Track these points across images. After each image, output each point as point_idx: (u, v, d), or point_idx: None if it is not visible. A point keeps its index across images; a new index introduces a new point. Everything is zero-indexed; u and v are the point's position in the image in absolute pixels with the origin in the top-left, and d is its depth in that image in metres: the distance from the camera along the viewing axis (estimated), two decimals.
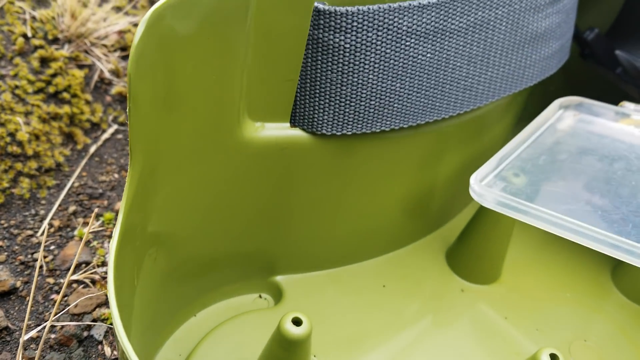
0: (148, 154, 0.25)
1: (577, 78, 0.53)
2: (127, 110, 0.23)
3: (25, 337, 0.34)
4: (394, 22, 0.29)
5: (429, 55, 0.31)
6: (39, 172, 0.45)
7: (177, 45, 0.23)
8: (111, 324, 0.37)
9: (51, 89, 0.49)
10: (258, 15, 0.27)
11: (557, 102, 0.41)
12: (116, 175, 0.48)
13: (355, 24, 0.28)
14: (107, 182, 0.47)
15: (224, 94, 0.27)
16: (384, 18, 0.29)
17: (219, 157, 0.29)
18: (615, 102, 0.45)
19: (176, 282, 0.32)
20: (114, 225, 0.43)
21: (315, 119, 0.31)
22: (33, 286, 0.31)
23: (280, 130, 0.31)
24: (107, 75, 0.53)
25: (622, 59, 0.45)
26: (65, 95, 0.50)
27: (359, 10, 0.28)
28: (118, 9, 0.58)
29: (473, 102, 0.35)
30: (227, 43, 0.26)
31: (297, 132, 0.31)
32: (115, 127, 0.52)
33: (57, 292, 0.38)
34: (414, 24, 0.30)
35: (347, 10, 0.28)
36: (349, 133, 0.32)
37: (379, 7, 0.28)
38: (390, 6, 0.29)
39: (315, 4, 0.28)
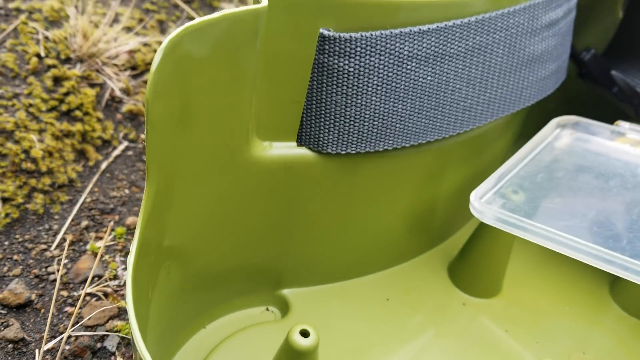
0: (163, 172, 0.26)
1: (575, 96, 0.55)
2: (145, 132, 0.25)
3: (45, 347, 0.35)
4: (396, 47, 0.30)
5: (429, 78, 0.32)
6: (53, 188, 0.47)
7: (192, 70, 0.25)
8: (124, 335, 0.38)
9: (64, 107, 0.51)
10: (267, 41, 0.28)
11: (555, 121, 0.43)
12: (127, 191, 0.49)
13: (358, 49, 0.30)
14: (118, 198, 0.48)
15: (234, 115, 0.28)
16: (386, 43, 0.30)
17: (229, 174, 0.30)
18: (613, 120, 0.46)
19: (188, 294, 0.33)
20: (124, 239, 0.45)
21: (321, 139, 0.32)
22: (53, 299, 0.32)
23: (287, 149, 0.32)
24: (117, 93, 0.55)
25: (618, 79, 0.47)
26: (78, 113, 0.51)
27: (362, 36, 0.30)
28: (128, 29, 0.60)
29: (472, 122, 0.36)
30: (238, 67, 0.27)
31: (304, 151, 0.33)
32: (125, 144, 0.53)
33: (71, 305, 0.39)
34: (414, 49, 0.31)
35: (350, 37, 0.29)
36: (353, 152, 0.33)
37: (381, 33, 0.30)
38: (391, 32, 0.30)
39: (321, 30, 0.29)
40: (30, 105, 0.49)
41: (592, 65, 0.48)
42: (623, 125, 0.42)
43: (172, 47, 0.23)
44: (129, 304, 0.23)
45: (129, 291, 0.23)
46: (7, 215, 0.44)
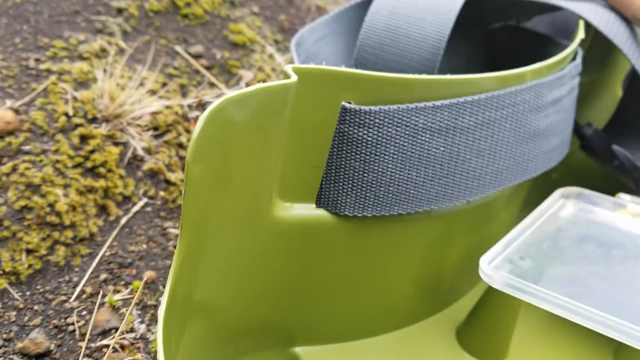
0: (195, 230, 0.28)
1: (579, 167, 0.57)
2: (183, 192, 0.27)
3: None
4: (411, 119, 0.33)
5: (441, 148, 0.35)
6: (74, 241, 0.49)
7: (229, 136, 0.27)
8: None
9: (89, 164, 0.53)
10: (294, 111, 0.31)
11: (559, 191, 0.45)
12: (144, 246, 0.51)
13: (377, 120, 0.32)
14: (136, 252, 0.50)
15: (262, 177, 0.31)
16: (402, 116, 0.33)
17: (253, 232, 0.32)
18: (615, 191, 0.48)
19: (207, 348, 0.34)
20: (141, 293, 0.46)
21: (339, 201, 0.34)
22: (83, 348, 0.33)
23: (307, 210, 0.34)
24: (139, 152, 0.58)
25: (618, 153, 0.49)
26: (102, 170, 0.54)
27: (380, 109, 0.32)
28: (152, 92, 0.63)
29: (481, 190, 0.38)
30: (268, 133, 0.29)
31: (322, 212, 0.35)
32: (145, 200, 0.55)
33: (89, 356, 0.40)
34: (428, 122, 0.33)
35: (370, 109, 0.32)
36: (369, 215, 0.35)
37: (398, 107, 0.32)
38: (407, 106, 0.33)
39: (343, 103, 0.32)
40: (57, 161, 0.51)
41: (594, 140, 0.51)
42: (624, 197, 0.44)
43: (213, 115, 0.26)
44: (160, 357, 0.24)
45: (160, 344, 0.25)
46: (29, 266, 0.45)
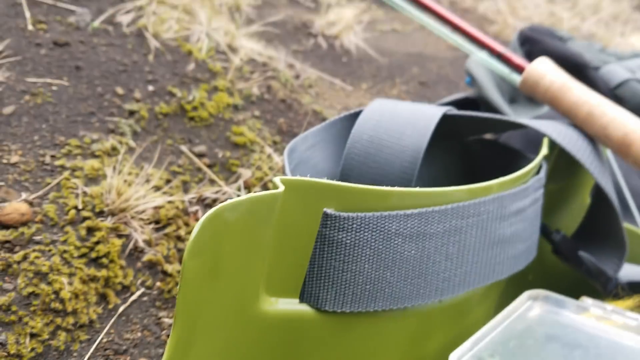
0: (187, 322, 0.31)
1: (553, 270, 0.61)
2: (178, 286, 0.30)
3: None
4: (385, 225, 0.37)
5: (413, 252, 0.39)
6: (75, 327, 0.52)
7: (222, 238, 0.31)
8: None
9: (93, 255, 0.57)
10: (281, 216, 0.35)
11: (527, 294, 0.48)
12: (139, 334, 0.54)
13: (354, 225, 0.37)
14: (131, 340, 0.53)
15: (250, 274, 0.34)
16: (377, 222, 0.37)
17: (241, 325, 0.35)
18: (589, 292, 0.52)
19: None
20: None
21: (320, 297, 0.38)
22: None
23: (291, 305, 0.38)
24: (140, 244, 0.62)
25: (585, 259, 0.53)
26: (104, 260, 0.57)
27: (357, 215, 0.36)
28: (157, 188, 0.68)
29: (452, 291, 0.42)
30: (258, 235, 0.34)
31: (305, 307, 0.38)
32: (142, 289, 0.59)
33: None
34: (400, 228, 0.38)
35: (348, 215, 0.36)
36: (348, 311, 0.38)
37: (374, 214, 0.37)
38: (382, 214, 0.37)
39: (325, 209, 0.36)
40: (65, 251, 0.55)
41: (562, 246, 0.55)
42: (587, 301, 0.47)
43: (209, 220, 0.30)
44: None
45: None
46: (32, 349, 0.48)
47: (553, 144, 0.54)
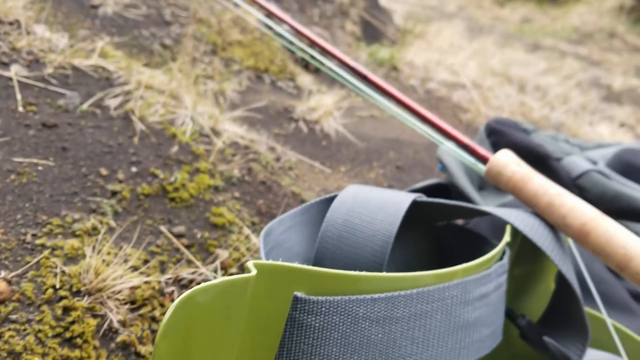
0: None
1: (520, 352, 0.62)
2: None
3: None
4: (352, 309, 0.39)
5: (380, 336, 0.40)
6: None
7: (194, 319, 0.33)
8: None
9: (67, 334, 0.57)
10: (253, 298, 0.36)
11: None
12: None
13: (323, 309, 0.38)
14: None
15: (220, 356, 0.36)
16: (345, 306, 0.39)
17: None
18: None
19: None
20: None
21: None
22: None
23: None
24: (115, 324, 0.62)
25: (549, 345, 0.55)
26: (78, 340, 0.58)
27: (326, 299, 0.38)
28: (135, 268, 0.69)
29: None
30: (229, 318, 0.35)
31: None
32: None
33: None
34: (367, 311, 0.39)
35: (317, 299, 0.38)
36: None
37: (342, 298, 0.39)
38: (349, 297, 0.39)
39: (295, 293, 0.38)
40: (40, 331, 0.56)
41: (527, 331, 0.56)
42: None
43: (183, 302, 0.32)
44: None
45: None
46: None
47: (517, 231, 0.57)
